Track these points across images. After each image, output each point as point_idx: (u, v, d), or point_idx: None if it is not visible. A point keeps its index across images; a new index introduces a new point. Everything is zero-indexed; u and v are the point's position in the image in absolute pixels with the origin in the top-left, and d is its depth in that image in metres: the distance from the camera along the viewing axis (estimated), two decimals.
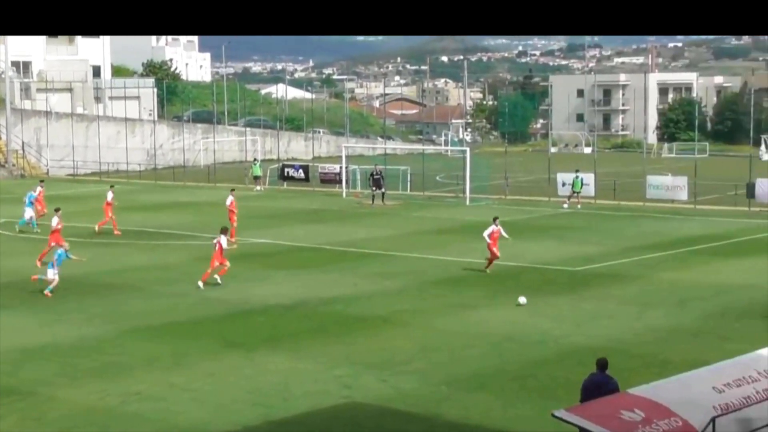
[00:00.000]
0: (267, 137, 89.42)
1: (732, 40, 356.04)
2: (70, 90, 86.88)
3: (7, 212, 48.39)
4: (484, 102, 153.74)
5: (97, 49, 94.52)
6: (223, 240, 30.46)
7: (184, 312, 27.02)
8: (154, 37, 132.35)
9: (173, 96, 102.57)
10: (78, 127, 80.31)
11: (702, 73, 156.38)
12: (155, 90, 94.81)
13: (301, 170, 65.54)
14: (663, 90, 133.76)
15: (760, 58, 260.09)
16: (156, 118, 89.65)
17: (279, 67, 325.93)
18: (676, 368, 17.05)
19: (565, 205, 51.18)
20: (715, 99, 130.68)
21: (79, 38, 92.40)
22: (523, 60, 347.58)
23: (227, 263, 30.29)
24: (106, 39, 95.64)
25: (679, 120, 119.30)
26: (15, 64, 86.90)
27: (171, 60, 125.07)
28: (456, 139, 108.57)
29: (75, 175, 75.99)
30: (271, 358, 22.16)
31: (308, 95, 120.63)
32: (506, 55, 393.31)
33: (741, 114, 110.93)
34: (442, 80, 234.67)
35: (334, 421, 18.16)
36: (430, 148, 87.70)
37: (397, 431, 17.82)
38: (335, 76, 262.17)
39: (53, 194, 52.79)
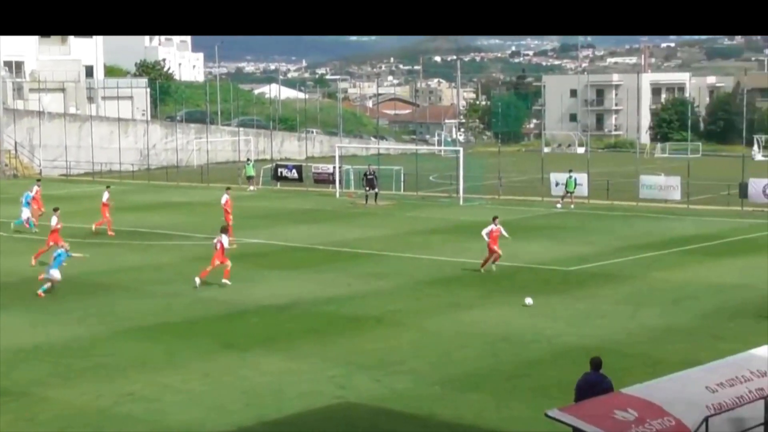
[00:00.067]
0: (260, 137, 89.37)
1: (724, 41, 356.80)
2: (63, 90, 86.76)
3: (0, 212, 48.30)
4: (478, 102, 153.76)
5: (89, 49, 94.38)
6: (224, 239, 30.43)
7: (177, 312, 27.00)
8: (147, 37, 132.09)
9: (166, 96, 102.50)
10: (71, 127, 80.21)
11: (695, 74, 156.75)
12: (148, 90, 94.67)
13: (294, 170, 65.49)
14: (656, 90, 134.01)
15: (753, 58, 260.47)
16: (149, 118, 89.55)
17: (272, 67, 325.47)
18: (669, 368, 17.05)
19: (559, 205, 51.23)
20: (707, 99, 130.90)
21: (71, 38, 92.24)
22: (516, 60, 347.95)
23: (228, 263, 30.25)
24: (98, 39, 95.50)
25: (671, 120, 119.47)
26: (7, 64, 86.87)
27: (164, 60, 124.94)
28: (449, 139, 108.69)
29: (68, 175, 75.90)
30: (264, 358, 22.14)
31: (301, 95, 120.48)
32: (499, 55, 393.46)
33: (733, 114, 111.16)
34: (435, 80, 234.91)
35: (328, 422, 18.15)
36: (423, 148, 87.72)
37: (391, 431, 17.83)
38: (328, 76, 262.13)
39: (46, 194, 52.55)
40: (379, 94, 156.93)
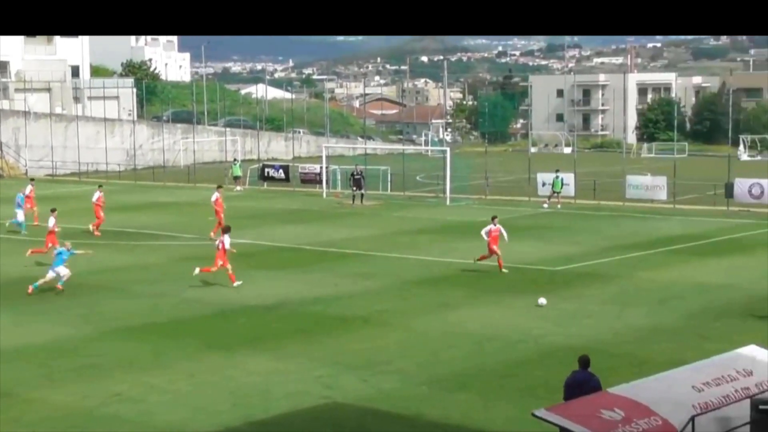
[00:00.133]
0: (247, 137, 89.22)
1: (710, 41, 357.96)
2: (49, 90, 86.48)
3: None
4: (464, 102, 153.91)
5: (75, 49, 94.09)
6: (226, 240, 30.36)
7: (164, 312, 26.95)
8: (133, 37, 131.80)
9: (153, 96, 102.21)
10: (57, 127, 79.94)
11: (681, 74, 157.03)
12: (134, 90, 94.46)
13: (281, 170, 65.42)
14: (642, 90, 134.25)
15: (738, 59, 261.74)
16: (135, 119, 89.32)
17: (259, 67, 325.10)
18: (655, 367, 17.09)
19: (545, 205, 51.28)
20: (693, 99, 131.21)
21: (57, 38, 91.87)
22: (503, 60, 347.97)
23: (228, 265, 30.17)
24: (84, 39, 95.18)
25: (658, 120, 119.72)
26: None
27: (150, 60, 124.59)
28: (436, 139, 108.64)
29: (54, 175, 75.63)
30: (251, 358, 22.12)
31: (288, 95, 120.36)
32: (486, 55, 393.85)
33: (719, 114, 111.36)
34: (422, 80, 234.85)
35: (315, 422, 18.14)
36: (410, 148, 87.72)
37: (378, 431, 17.83)
38: (315, 76, 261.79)
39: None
40: (366, 94, 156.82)
